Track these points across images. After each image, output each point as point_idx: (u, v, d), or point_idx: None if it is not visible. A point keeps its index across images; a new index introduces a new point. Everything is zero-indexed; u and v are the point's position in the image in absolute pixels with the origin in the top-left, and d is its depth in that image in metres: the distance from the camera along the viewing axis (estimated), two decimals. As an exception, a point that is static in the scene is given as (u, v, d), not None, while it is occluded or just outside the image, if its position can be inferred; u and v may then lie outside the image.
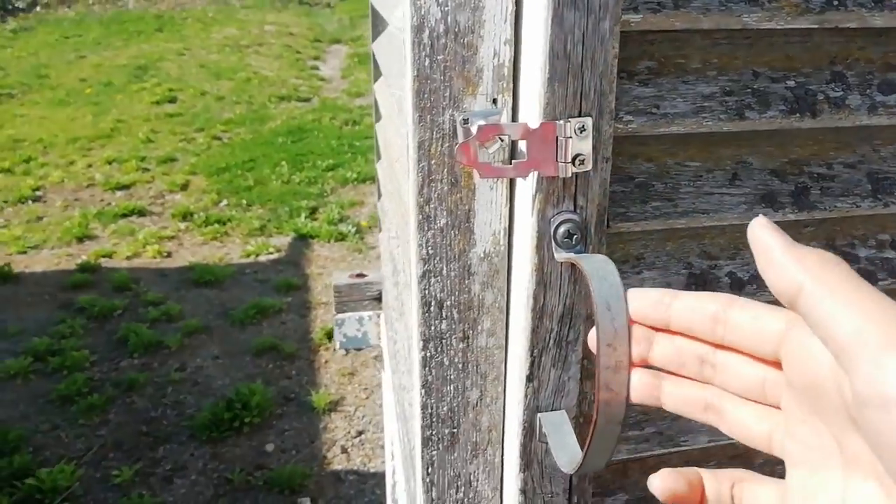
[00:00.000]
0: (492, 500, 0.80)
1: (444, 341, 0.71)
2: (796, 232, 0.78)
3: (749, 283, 0.76)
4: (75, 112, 8.35)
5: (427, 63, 0.60)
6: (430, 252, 0.67)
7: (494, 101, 0.62)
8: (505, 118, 0.62)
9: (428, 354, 0.72)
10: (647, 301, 0.43)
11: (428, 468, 0.77)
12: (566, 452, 0.65)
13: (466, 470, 0.78)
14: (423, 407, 0.74)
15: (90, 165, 6.93)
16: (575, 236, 0.63)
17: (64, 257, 5.33)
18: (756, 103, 0.68)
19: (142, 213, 6.06)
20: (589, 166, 0.59)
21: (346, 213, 6.12)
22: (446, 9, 0.59)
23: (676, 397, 0.43)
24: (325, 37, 12.42)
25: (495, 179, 0.65)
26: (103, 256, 5.33)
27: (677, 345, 0.42)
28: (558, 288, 0.67)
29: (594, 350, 0.43)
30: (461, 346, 0.72)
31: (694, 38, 0.67)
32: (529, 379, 0.70)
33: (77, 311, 4.62)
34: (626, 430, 0.80)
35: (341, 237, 5.69)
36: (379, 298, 1.71)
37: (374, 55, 1.44)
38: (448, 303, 0.70)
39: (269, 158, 7.17)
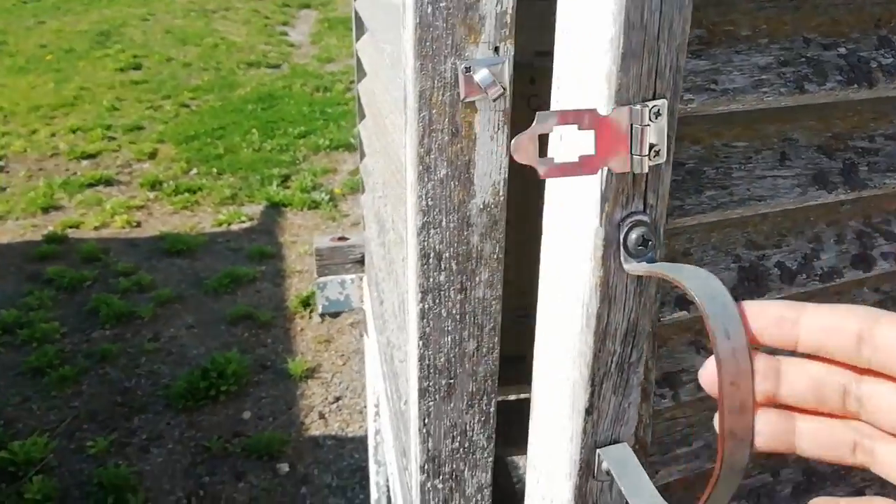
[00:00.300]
0: (487, 450, 0.82)
1: (442, 293, 0.72)
2: (834, 212, 0.72)
3: (799, 273, 0.70)
4: (36, 79, 8.11)
5: (429, 10, 0.60)
6: (430, 203, 0.67)
7: (496, 49, 0.62)
8: (508, 67, 0.62)
9: (426, 306, 0.72)
10: (766, 319, 0.36)
11: (424, 419, 0.78)
12: (643, 497, 0.57)
13: (462, 420, 0.79)
14: (421, 358, 0.75)
15: (53, 134, 6.76)
16: (650, 242, 0.54)
17: (29, 228, 5.22)
18: (813, 74, 0.62)
19: (109, 182, 5.94)
20: (664, 157, 0.51)
21: (319, 180, 6.07)
22: (448, -45, 0.59)
23: (816, 440, 0.36)
24: (294, 1, 12.17)
25: (495, 129, 0.65)
26: (70, 227, 5.23)
27: (813, 375, 0.35)
28: (623, 303, 0.58)
29: (708, 389, 0.36)
30: (459, 297, 0.73)
31: (740, 2, 0.61)
32: (588, 411, 0.61)
33: (45, 283, 4.53)
34: (675, 448, 0.74)
35: (315, 205, 5.65)
36: (361, 261, 1.71)
37: (356, 12, 1.42)
38: (447, 254, 0.70)
39: (240, 126, 7.06)
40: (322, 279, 1.72)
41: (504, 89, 0.62)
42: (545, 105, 1.40)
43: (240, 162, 6.32)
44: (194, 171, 6.19)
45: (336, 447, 3.46)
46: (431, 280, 0.71)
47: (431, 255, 0.70)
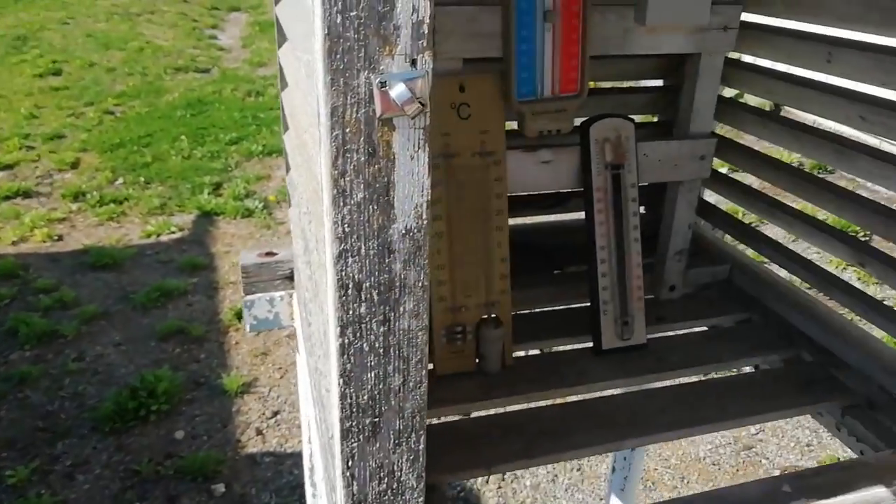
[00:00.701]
0: (416, 490, 0.76)
1: (363, 326, 0.66)
2: None
3: None
4: (-54, 85, 7.67)
5: (339, 20, 0.54)
6: (347, 230, 0.62)
7: (413, 62, 0.56)
8: (427, 81, 0.57)
9: (346, 341, 0.66)
10: None
11: (348, 461, 0.72)
12: None
13: (389, 460, 0.73)
14: (342, 397, 0.69)
15: (-34, 143, 6.39)
16: None
17: (-60, 243, 4.91)
18: None
19: (27, 194, 5.64)
20: None
21: (252, 187, 5.91)
22: (357, -42, 0.53)
23: None
24: (223, 4, 11.88)
25: (416, 148, 0.60)
26: (-15, 242, 4.94)
27: None
28: None
29: None
30: (382, 329, 0.67)
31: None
32: None
33: (-42, 302, 4.27)
34: None
35: (248, 213, 5.49)
36: (291, 277, 1.63)
37: (277, 19, 1.35)
38: (367, 284, 0.64)
39: (168, 133, 6.82)
40: (249, 297, 1.63)
41: (423, 105, 0.56)
42: (475, 114, 1.36)
43: (169, 170, 6.10)
44: (120, 180, 5.94)
45: (274, 464, 3.35)
46: (351, 312, 0.65)
47: (350, 285, 0.64)
